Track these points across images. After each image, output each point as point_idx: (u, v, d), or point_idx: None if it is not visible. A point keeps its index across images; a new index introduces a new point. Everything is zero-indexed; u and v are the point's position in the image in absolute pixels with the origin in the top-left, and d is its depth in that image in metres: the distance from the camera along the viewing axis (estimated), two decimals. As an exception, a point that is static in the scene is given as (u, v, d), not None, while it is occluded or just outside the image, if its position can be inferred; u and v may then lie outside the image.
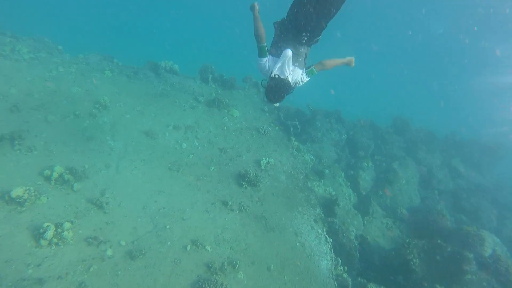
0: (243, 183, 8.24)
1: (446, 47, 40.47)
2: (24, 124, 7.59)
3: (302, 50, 4.51)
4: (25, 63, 9.62)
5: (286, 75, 4.24)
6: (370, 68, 47.46)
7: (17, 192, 5.58)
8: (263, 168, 8.97)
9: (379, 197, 11.59)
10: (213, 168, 8.44)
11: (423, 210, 11.51)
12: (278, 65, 4.24)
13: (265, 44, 4.41)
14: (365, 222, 10.15)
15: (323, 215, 8.83)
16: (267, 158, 9.16)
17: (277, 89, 4.10)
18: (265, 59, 4.45)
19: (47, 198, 6.03)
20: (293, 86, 4.31)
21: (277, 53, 4.42)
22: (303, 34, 4.35)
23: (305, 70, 4.54)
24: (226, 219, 7.22)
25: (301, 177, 9.48)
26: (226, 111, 10.56)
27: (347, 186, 11.22)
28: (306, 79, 4.58)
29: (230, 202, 7.59)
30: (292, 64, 4.34)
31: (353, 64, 4.76)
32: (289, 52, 4.18)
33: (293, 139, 10.86)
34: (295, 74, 4.41)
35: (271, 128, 10.61)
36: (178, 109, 10.05)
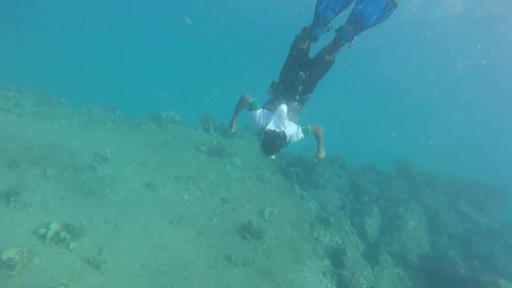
0: (247, 235, 7.92)
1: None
2: (22, 179, 7.42)
3: (295, 105, 4.59)
4: (27, 117, 9.66)
5: (282, 129, 4.22)
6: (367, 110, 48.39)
7: (8, 254, 5.29)
8: (267, 218, 8.69)
9: (388, 244, 11.16)
10: (215, 220, 8.17)
11: (434, 257, 11.02)
12: (273, 119, 4.24)
13: (252, 100, 4.49)
14: (375, 272, 9.66)
15: (331, 266, 8.43)
16: (271, 208, 8.91)
17: (271, 142, 4.03)
18: (258, 111, 4.47)
19: (41, 259, 5.71)
20: (288, 140, 4.25)
21: (271, 108, 4.46)
22: (295, 92, 4.49)
23: (301, 127, 4.56)
24: (230, 276, 6.83)
25: (307, 226, 9.17)
26: (228, 159, 10.47)
27: (353, 233, 10.84)
28: (301, 136, 4.55)
29: (234, 256, 7.23)
30: (286, 118, 4.32)
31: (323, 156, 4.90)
32: (284, 107, 4.21)
33: (297, 186, 10.67)
34: (290, 128, 4.39)
35: (273, 176, 10.45)
36: (180, 159, 9.95)
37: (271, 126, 4.19)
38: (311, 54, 4.63)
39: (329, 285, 7.58)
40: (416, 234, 11.93)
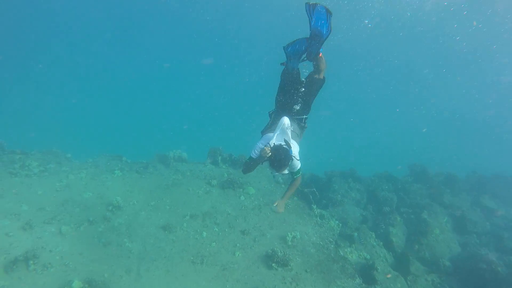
0: (273, 264, 7.65)
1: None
2: (38, 240, 7.31)
3: (295, 127, 4.56)
4: (35, 177, 9.64)
5: (285, 140, 4.04)
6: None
7: (35, 320, 5.10)
8: (290, 244, 8.43)
9: (416, 251, 10.77)
10: (238, 253, 7.92)
11: (467, 258, 10.59)
12: (276, 133, 4.10)
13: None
14: (409, 283, 9.26)
15: (363, 284, 8.08)
16: (293, 232, 8.66)
17: (278, 155, 3.89)
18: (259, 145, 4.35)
19: (68, 321, 5.51)
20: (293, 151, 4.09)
21: (271, 129, 4.42)
22: (292, 112, 4.60)
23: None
24: (263, 309, 6.55)
25: (331, 246, 8.88)
26: (241, 190, 10.31)
27: (380, 246, 10.48)
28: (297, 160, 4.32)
29: (263, 288, 6.96)
30: (290, 128, 4.17)
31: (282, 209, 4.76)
32: (285, 119, 4.03)
33: (315, 206, 10.43)
34: (294, 143, 4.26)
35: (289, 200, 10.24)
36: (193, 197, 9.81)
37: (274, 141, 4.04)
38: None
39: (366, 304, 7.23)
40: (444, 238, 11.53)
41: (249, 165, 4.40)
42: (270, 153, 3.81)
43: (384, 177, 15.00)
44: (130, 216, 8.71)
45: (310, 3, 4.11)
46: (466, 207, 13.27)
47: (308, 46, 4.36)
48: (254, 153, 4.26)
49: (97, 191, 9.46)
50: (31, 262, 6.51)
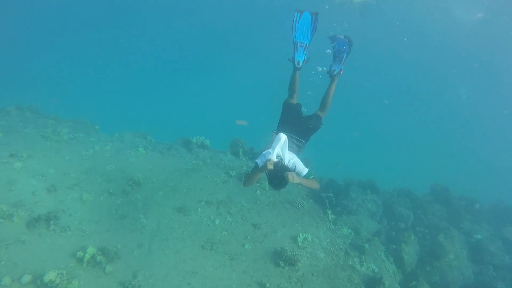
0: (280, 262, 7.67)
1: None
2: (60, 203, 7.61)
3: (294, 144, 4.73)
4: (64, 143, 10.01)
5: (283, 159, 4.14)
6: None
7: (49, 276, 5.36)
8: (300, 245, 8.42)
9: (427, 273, 10.52)
10: (247, 246, 7.99)
11: (479, 289, 10.29)
12: (275, 149, 3.97)
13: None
14: (415, 304, 9.10)
15: (368, 297, 8.00)
16: (304, 234, 8.64)
17: (276, 175, 4.07)
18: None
19: (79, 282, 5.75)
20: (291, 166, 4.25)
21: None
22: (294, 131, 4.81)
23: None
24: (265, 304, 6.59)
25: (341, 253, 8.83)
26: (258, 184, 10.36)
27: (390, 261, 10.31)
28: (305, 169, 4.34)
29: (267, 284, 7.00)
30: (288, 150, 4.26)
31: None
32: (282, 135, 3.94)
33: (329, 212, 10.37)
34: (295, 161, 4.31)
35: (305, 201, 10.23)
36: (210, 184, 9.94)
37: (273, 157, 3.94)
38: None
39: (368, 316, 7.16)
40: (458, 264, 11.22)
41: (251, 175, 4.36)
42: (272, 167, 3.87)
43: (404, 193, 14.67)
44: (148, 193, 8.91)
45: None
46: (486, 236, 12.85)
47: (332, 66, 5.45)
48: (259, 161, 4.25)
49: (120, 165, 9.73)
50: (52, 222, 6.80)
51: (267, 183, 10.40)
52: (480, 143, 45.58)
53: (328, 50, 5.84)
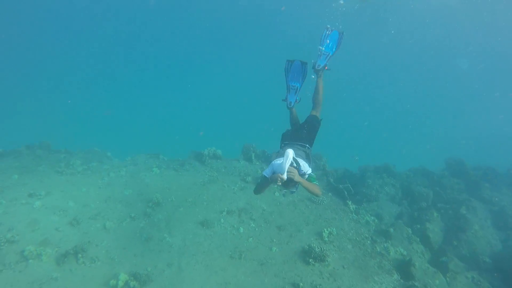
0: (310, 260, 7.68)
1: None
2: (85, 235, 7.69)
3: (300, 153, 4.89)
4: (80, 175, 10.13)
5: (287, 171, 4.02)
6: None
7: (88, 310, 5.41)
8: (327, 239, 8.43)
9: (455, 247, 10.46)
10: (275, 248, 8.01)
11: (509, 255, 10.18)
12: (286, 166, 3.91)
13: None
14: (447, 280, 9.02)
15: (401, 280, 7.98)
16: (329, 228, 8.65)
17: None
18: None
19: (117, 311, 5.80)
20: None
21: (280, 154, 4.62)
22: (299, 139, 5.16)
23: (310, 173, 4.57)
24: (302, 304, 6.61)
25: (368, 242, 8.82)
26: (276, 186, 10.35)
27: (417, 242, 10.24)
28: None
29: (301, 283, 7.01)
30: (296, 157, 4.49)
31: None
32: (290, 151, 3.90)
33: (350, 202, 10.35)
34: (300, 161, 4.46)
35: (324, 196, 10.23)
36: (229, 193, 9.99)
37: (285, 176, 3.89)
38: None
39: (405, 300, 7.14)
40: (484, 234, 11.14)
41: (261, 186, 4.56)
42: (281, 184, 3.92)
43: (420, 172, 14.62)
44: (169, 212, 8.98)
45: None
46: (508, 202, 12.73)
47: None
48: (267, 173, 4.37)
49: (137, 188, 9.82)
50: (80, 255, 6.89)
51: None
52: (489, 112, 45.06)
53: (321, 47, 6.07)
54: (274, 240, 8.32)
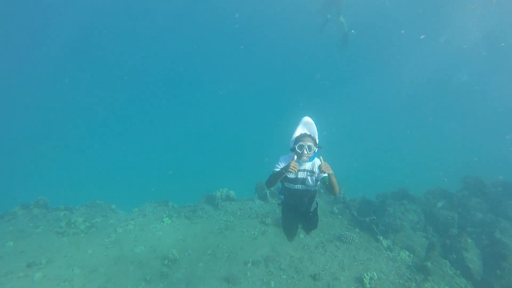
0: (357, 313, 6.80)
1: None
2: (98, 309, 6.68)
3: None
4: (83, 235, 9.13)
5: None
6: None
7: None
8: (369, 286, 7.55)
9: (499, 277, 9.66)
10: (314, 303, 7.11)
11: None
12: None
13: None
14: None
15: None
16: (369, 273, 7.80)
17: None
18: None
19: None
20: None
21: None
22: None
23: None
24: None
25: (413, 284, 7.96)
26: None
27: (458, 275, 9.45)
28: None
29: None
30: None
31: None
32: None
33: (381, 238, 9.54)
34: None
35: (352, 233, 9.41)
36: (249, 240, 9.08)
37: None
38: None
39: None
40: (526, 258, 10.41)
41: (274, 178, 4.13)
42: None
43: (438, 194, 13.96)
44: (188, 269, 8.02)
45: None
46: (538, 218, 12.10)
47: None
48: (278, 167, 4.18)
49: (149, 244, 8.85)
50: (97, 338, 5.87)
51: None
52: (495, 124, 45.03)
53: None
54: (312, 292, 7.41)
